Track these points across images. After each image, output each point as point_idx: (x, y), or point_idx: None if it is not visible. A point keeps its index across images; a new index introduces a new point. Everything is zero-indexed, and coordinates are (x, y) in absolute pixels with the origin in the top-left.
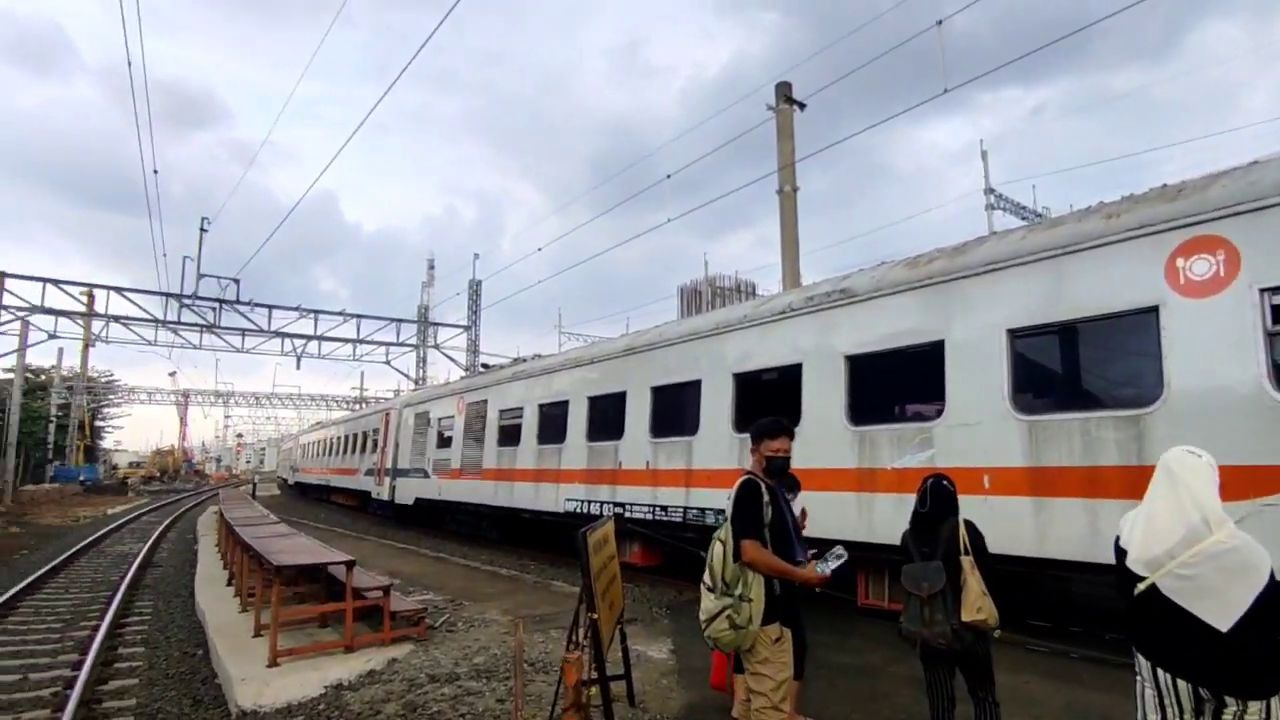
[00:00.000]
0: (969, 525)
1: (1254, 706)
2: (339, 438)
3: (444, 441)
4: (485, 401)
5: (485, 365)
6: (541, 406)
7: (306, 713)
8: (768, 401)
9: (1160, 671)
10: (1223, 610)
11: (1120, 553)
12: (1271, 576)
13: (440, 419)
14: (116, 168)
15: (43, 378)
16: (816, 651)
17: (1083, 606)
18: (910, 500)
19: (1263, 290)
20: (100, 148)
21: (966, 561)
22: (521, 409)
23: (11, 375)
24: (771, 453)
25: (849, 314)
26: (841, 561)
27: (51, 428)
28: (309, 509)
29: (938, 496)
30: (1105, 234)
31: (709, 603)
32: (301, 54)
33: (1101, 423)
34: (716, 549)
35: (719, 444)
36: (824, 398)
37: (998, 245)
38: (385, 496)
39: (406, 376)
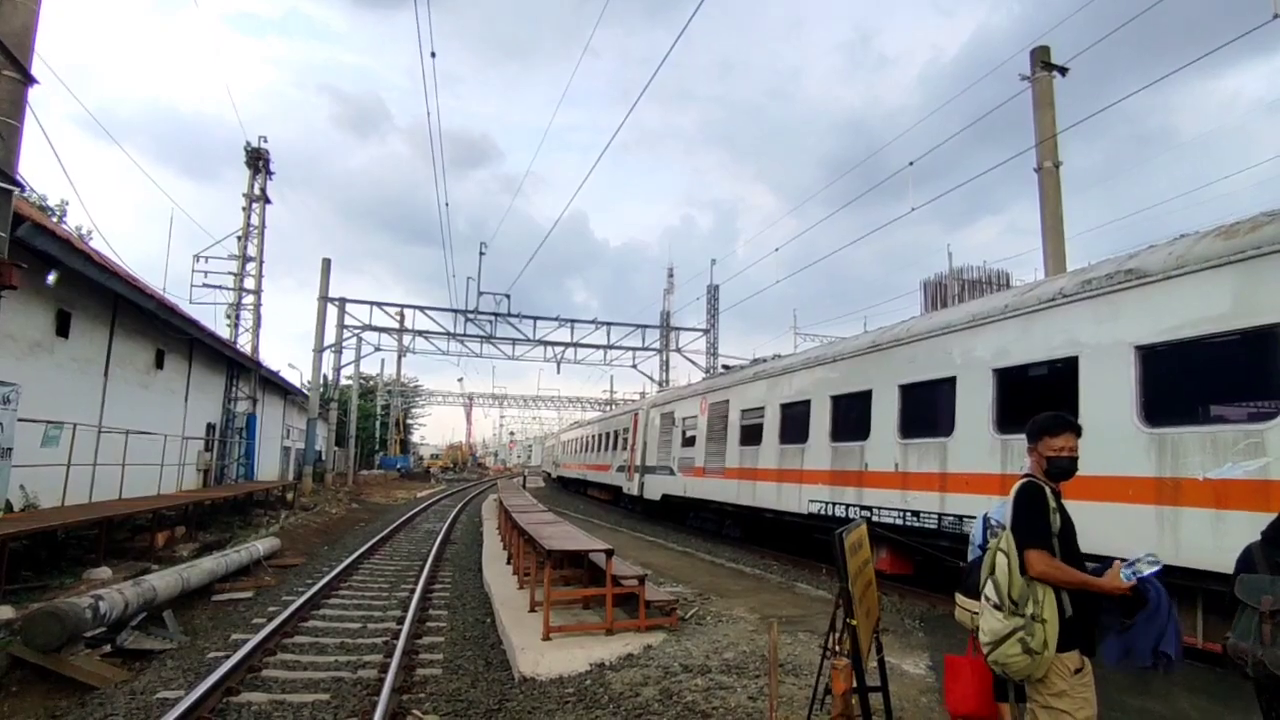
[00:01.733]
0: None
1: None
2: (593, 436)
3: (688, 441)
4: (727, 402)
5: (726, 366)
6: (783, 406)
7: (576, 685)
8: (1035, 399)
9: None
10: None
11: None
12: None
13: (684, 419)
14: (418, 207)
15: (370, 383)
16: (1105, 689)
17: None
18: (1235, 517)
19: None
20: (406, 193)
21: None
22: (763, 409)
23: (350, 382)
24: (1054, 452)
25: (1139, 297)
26: (1156, 569)
27: (377, 424)
28: (568, 500)
29: None
30: None
31: (995, 623)
32: (555, 89)
33: None
34: (1000, 561)
35: (978, 446)
36: (1107, 395)
37: None
38: (635, 492)
39: (650, 379)
